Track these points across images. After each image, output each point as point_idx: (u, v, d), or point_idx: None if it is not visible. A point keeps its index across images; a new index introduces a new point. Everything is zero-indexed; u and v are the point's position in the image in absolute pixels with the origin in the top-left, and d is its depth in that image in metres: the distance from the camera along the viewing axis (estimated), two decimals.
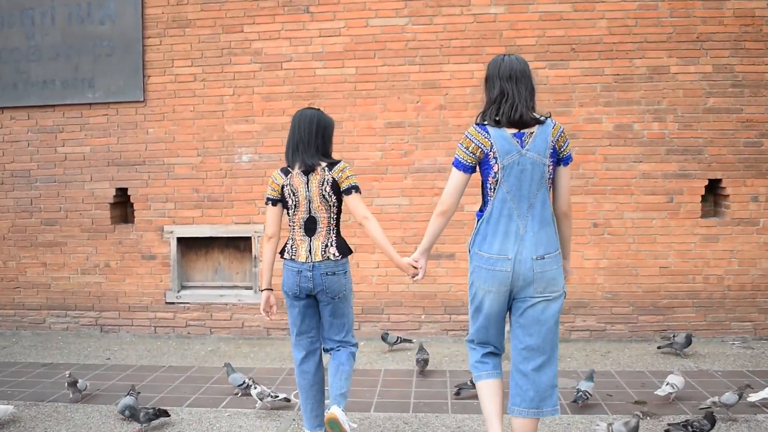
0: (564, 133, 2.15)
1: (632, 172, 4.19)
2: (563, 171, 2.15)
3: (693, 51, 4.13)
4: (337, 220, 2.56)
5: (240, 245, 4.56)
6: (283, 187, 2.52)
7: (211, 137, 4.44)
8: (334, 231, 2.54)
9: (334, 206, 2.52)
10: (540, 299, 2.09)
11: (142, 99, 4.46)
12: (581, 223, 4.22)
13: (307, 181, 2.48)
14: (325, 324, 2.60)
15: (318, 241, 2.51)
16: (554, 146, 2.10)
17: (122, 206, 4.67)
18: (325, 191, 2.48)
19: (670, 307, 4.21)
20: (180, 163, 4.48)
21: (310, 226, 2.51)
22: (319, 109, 2.60)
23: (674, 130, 4.17)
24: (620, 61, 4.16)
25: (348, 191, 2.49)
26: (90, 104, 4.53)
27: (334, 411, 2.38)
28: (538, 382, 2.11)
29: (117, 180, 4.54)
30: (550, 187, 2.13)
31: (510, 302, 2.17)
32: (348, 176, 2.49)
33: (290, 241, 2.56)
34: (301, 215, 2.51)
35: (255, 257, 4.44)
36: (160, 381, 3.58)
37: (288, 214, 2.58)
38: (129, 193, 4.55)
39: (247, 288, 4.52)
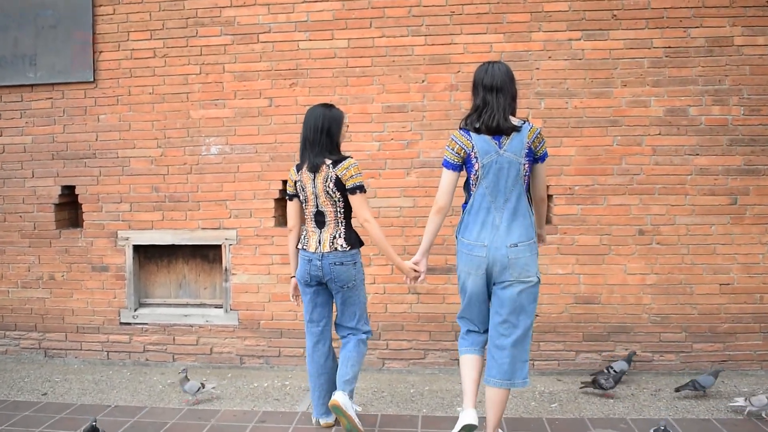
0: (540, 135, 2.35)
1: (687, 167, 3.42)
2: (539, 167, 2.41)
3: (761, 18, 3.35)
4: (345, 212, 2.63)
5: (208, 255, 3.82)
6: (295, 183, 2.65)
7: (173, 125, 3.70)
8: (343, 223, 2.63)
9: (339, 201, 2.60)
10: (515, 282, 2.34)
11: (92, 79, 3.72)
12: (624, 230, 3.45)
13: (314, 177, 2.59)
14: (338, 311, 2.71)
15: (327, 233, 2.62)
16: (530, 147, 2.32)
17: (69, 207, 3.93)
18: (329, 188, 2.57)
19: (732, 332, 3.43)
20: (137, 156, 3.73)
21: (319, 219, 2.63)
22: (329, 105, 2.64)
23: (739, 116, 3.39)
24: (672, 31, 3.38)
25: (352, 191, 2.56)
26: (31, 86, 3.79)
27: (337, 397, 2.53)
28: (513, 355, 2.37)
29: (63, 176, 3.81)
30: (525, 182, 2.35)
31: (490, 287, 2.42)
32: (352, 175, 2.56)
33: (304, 232, 2.71)
34: (311, 209, 2.64)
35: (226, 269, 3.68)
36: None
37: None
38: (77, 191, 3.81)
39: (216, 306, 3.77)
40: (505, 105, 2.29)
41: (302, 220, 2.74)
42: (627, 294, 3.45)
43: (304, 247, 2.66)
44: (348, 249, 2.59)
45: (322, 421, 2.78)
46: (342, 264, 2.58)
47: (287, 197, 2.74)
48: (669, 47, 3.41)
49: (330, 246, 2.59)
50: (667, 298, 3.45)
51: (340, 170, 2.55)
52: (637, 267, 3.45)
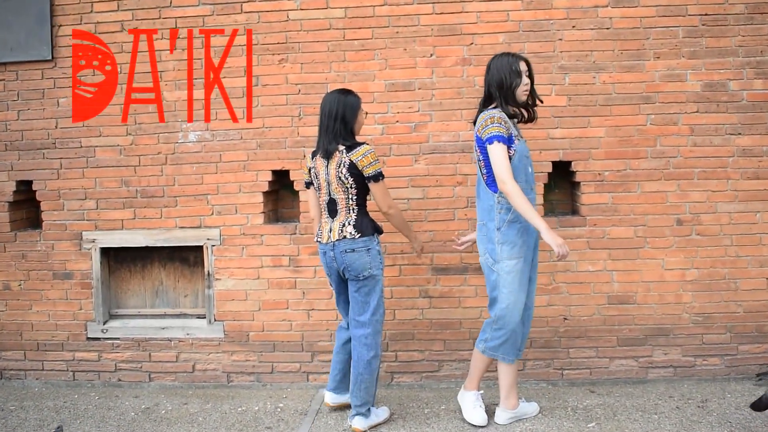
0: (488, 121, 2.42)
1: (728, 148, 3.05)
2: (487, 151, 2.44)
3: None
4: (357, 200, 2.57)
5: (188, 258, 3.35)
6: (310, 170, 2.64)
7: (145, 109, 3.22)
8: (354, 211, 2.57)
9: (352, 188, 2.55)
10: None
11: (50, 57, 3.24)
12: (660, 219, 3.07)
13: (327, 164, 2.55)
14: (351, 301, 2.61)
15: (338, 221, 2.58)
16: (477, 134, 2.47)
17: (26, 206, 3.43)
18: (342, 174, 2.52)
19: None
20: (103, 146, 3.26)
21: (332, 208, 2.60)
22: (345, 91, 2.61)
23: None
24: None
25: (374, 178, 2.53)
26: None
27: (357, 425, 2.55)
28: (488, 323, 2.58)
29: (18, 170, 3.31)
30: (483, 169, 2.51)
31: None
32: (370, 162, 2.52)
33: (320, 224, 2.69)
34: (324, 197, 2.61)
35: (209, 274, 3.22)
36: None
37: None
38: (35, 187, 3.32)
39: (199, 317, 3.30)
40: (482, 100, 2.56)
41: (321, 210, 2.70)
42: (665, 292, 3.07)
43: (319, 239, 2.64)
44: (357, 236, 2.52)
45: (328, 399, 2.74)
46: (353, 251, 2.51)
47: (305, 185, 2.74)
48: (706, 14, 3.04)
49: (339, 234, 2.54)
50: (710, 295, 3.07)
51: (355, 156, 2.50)
52: (676, 261, 3.07)
